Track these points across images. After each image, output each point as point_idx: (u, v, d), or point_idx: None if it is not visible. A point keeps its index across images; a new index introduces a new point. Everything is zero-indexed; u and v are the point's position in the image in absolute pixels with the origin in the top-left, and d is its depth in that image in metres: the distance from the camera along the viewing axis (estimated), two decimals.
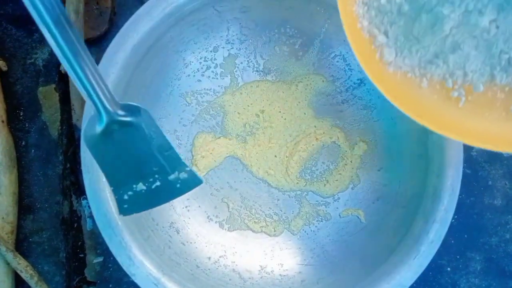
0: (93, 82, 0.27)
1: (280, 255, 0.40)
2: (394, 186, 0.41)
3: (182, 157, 0.31)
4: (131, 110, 0.29)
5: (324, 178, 0.44)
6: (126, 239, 0.33)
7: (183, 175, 0.31)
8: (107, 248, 0.42)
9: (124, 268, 0.33)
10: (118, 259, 0.33)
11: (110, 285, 0.43)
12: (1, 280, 0.40)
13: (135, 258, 0.33)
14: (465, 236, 0.46)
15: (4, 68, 0.44)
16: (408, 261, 0.34)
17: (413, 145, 0.40)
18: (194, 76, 0.43)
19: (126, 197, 0.31)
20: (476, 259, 0.46)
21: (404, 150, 0.42)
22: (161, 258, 0.35)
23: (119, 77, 0.35)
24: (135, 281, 0.33)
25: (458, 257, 0.46)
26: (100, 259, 0.43)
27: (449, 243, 0.45)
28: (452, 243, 0.46)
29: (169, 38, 0.38)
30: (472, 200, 0.46)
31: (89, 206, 0.42)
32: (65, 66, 0.26)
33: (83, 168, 0.34)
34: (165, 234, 0.39)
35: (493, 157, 0.47)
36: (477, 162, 0.47)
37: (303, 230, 0.42)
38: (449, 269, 0.46)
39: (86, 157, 0.34)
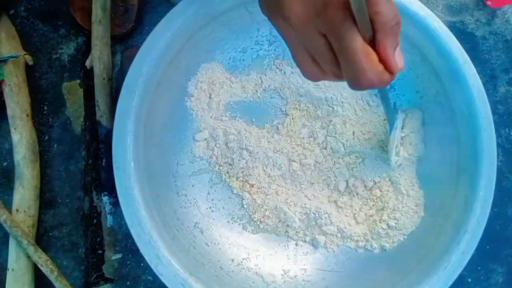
0: None
1: (304, 260, 0.40)
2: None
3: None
4: None
5: None
6: (155, 238, 0.33)
7: None
8: (126, 245, 0.42)
9: (152, 266, 0.32)
10: (146, 257, 0.33)
11: (128, 283, 0.42)
12: (21, 273, 0.39)
13: (163, 257, 0.32)
14: (487, 247, 0.45)
15: (30, 62, 0.44)
16: (438, 271, 0.34)
17: (443, 151, 0.40)
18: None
19: None
20: (498, 271, 0.45)
21: (433, 157, 0.41)
22: (186, 259, 0.35)
23: (152, 75, 0.35)
24: (163, 280, 0.32)
25: (479, 268, 0.45)
26: (119, 256, 0.42)
27: None
28: (473, 253, 0.45)
29: (200, 37, 0.38)
30: (495, 211, 0.46)
31: (109, 203, 0.42)
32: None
33: (114, 164, 0.34)
34: (189, 234, 0.38)
35: None
36: (501, 172, 0.46)
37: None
38: (469, 280, 0.45)
39: (117, 154, 0.33)
